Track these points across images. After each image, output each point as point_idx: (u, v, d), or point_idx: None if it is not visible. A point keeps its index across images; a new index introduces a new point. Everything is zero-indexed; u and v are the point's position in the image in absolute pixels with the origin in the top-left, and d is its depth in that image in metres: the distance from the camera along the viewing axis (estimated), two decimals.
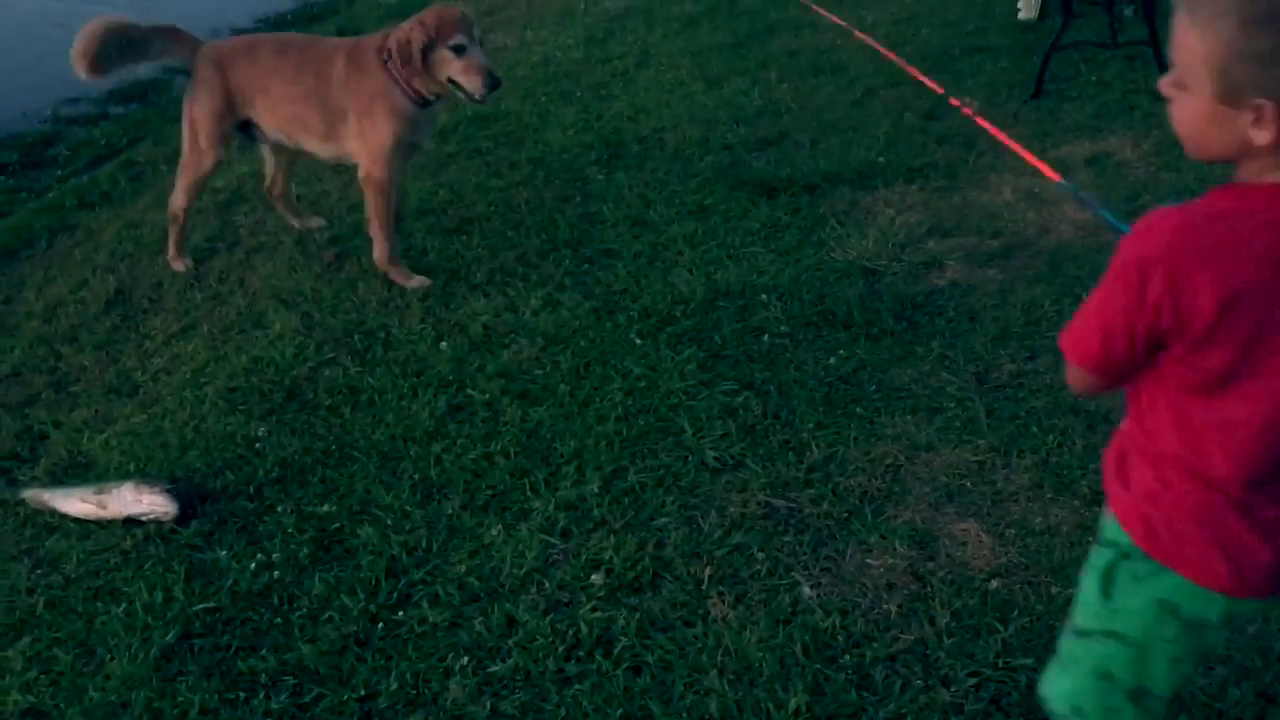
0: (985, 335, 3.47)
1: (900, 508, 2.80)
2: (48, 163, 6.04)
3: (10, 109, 6.73)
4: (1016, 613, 2.44)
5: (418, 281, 4.06)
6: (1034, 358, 3.35)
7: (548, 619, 2.50)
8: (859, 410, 3.19)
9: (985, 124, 2.98)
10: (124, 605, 2.61)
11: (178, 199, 4.33)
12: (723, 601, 2.53)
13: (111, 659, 2.46)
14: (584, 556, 2.69)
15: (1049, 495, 2.78)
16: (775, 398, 3.27)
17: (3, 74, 7.51)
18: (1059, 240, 4.03)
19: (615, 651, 2.40)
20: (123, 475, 3.06)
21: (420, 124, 4.02)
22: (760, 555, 2.66)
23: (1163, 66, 5.31)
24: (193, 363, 3.69)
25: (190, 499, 2.92)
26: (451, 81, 3.83)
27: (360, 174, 4.02)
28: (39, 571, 2.78)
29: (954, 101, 3.16)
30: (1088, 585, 1.59)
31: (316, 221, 4.68)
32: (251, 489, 3.01)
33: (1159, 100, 4.66)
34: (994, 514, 2.75)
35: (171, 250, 4.45)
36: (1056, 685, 1.67)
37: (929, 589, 2.53)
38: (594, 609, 2.52)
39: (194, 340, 3.85)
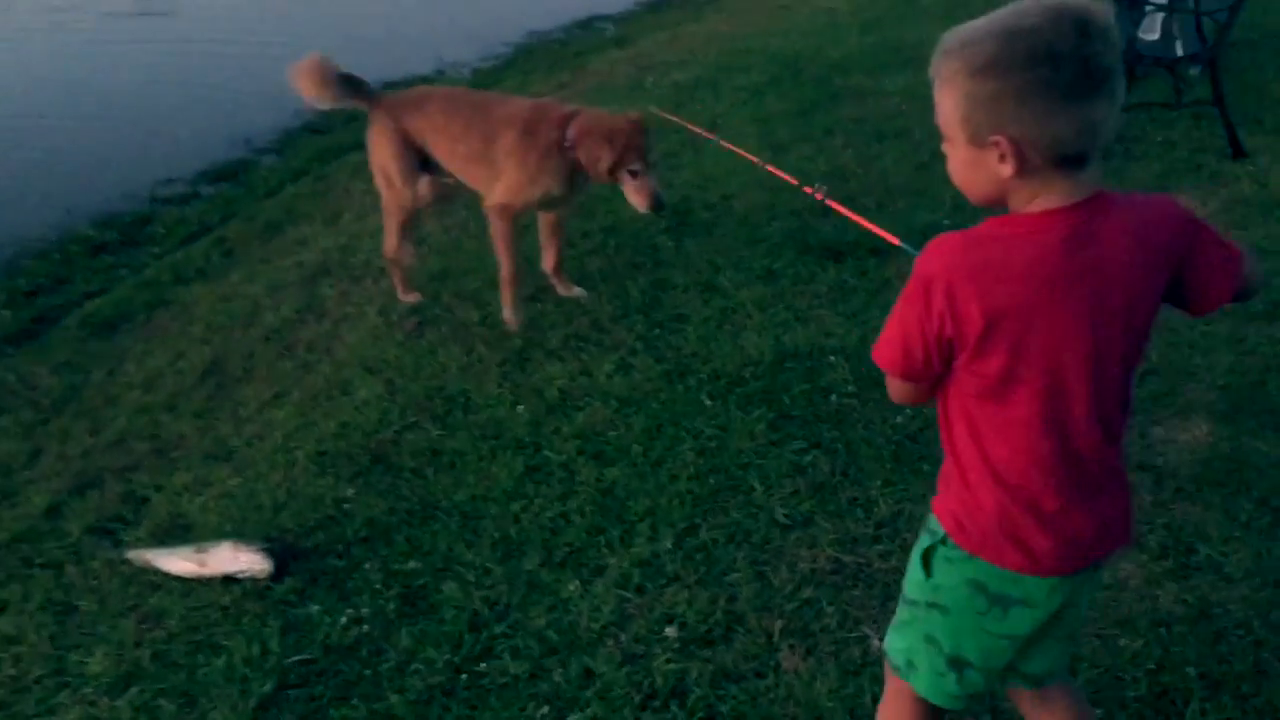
0: None
1: None
2: (145, 241, 6.37)
3: (111, 190, 7.11)
4: (1085, 665, 2.47)
5: (515, 322, 4.37)
6: None
7: (624, 670, 2.59)
8: (926, 468, 3.25)
9: (836, 205, 3.14)
10: (224, 658, 2.75)
11: (390, 242, 4.66)
12: (793, 654, 2.60)
13: (213, 709, 2.60)
14: (658, 610, 2.78)
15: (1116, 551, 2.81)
16: (844, 456, 3.35)
17: (103, 158, 7.95)
18: None
19: (689, 702, 2.49)
20: (220, 536, 3.22)
21: (568, 197, 4.35)
22: (830, 609, 2.73)
23: (1229, 125, 5.37)
24: (284, 429, 3.87)
25: (284, 557, 3.07)
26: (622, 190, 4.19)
27: (487, 202, 4.31)
28: (144, 626, 2.94)
29: (806, 189, 3.35)
30: (914, 564, 1.84)
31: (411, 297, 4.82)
32: (341, 547, 3.16)
33: (1226, 158, 4.76)
34: None
35: (399, 291, 4.78)
36: (896, 642, 1.90)
37: None
38: (668, 661, 2.61)
39: (285, 407, 4.03)
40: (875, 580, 2.82)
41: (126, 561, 3.21)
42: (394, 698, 2.57)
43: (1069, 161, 1.53)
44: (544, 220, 4.57)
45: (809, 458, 3.35)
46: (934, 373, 1.66)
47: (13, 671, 2.84)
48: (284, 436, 3.82)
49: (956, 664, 1.80)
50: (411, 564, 3.05)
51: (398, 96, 4.60)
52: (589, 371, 3.98)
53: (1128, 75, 5.64)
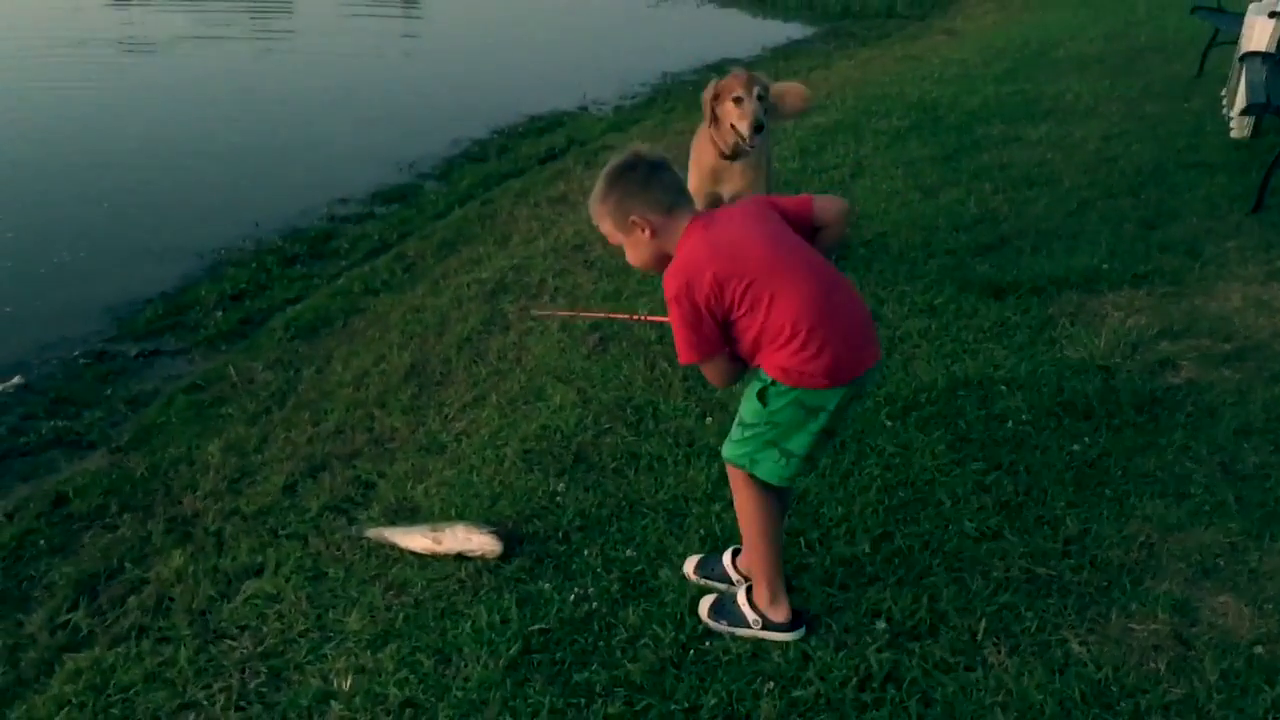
0: (1227, 429, 3.68)
1: (1158, 580, 3.03)
2: (330, 254, 6.84)
3: (292, 208, 7.66)
4: None
5: None
6: (1279, 451, 3.54)
7: (840, 655, 2.82)
8: (1108, 492, 3.43)
9: (654, 319, 3.83)
10: (469, 623, 3.04)
11: None
12: (999, 651, 2.80)
13: (466, 665, 2.89)
14: (864, 606, 3.01)
15: None
16: (1025, 478, 3.54)
17: (283, 179, 8.52)
18: None
19: (904, 686, 2.71)
20: (446, 520, 3.53)
21: (722, 176, 4.82)
22: (1029, 614, 2.93)
23: None
24: (488, 427, 4.19)
25: (510, 540, 3.37)
26: (733, 128, 4.66)
27: None
28: (391, 593, 3.25)
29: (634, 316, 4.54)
30: (751, 401, 2.71)
31: None
32: (559, 534, 3.44)
33: None
34: (1251, 589, 2.95)
35: None
36: (737, 450, 2.77)
37: (1194, 651, 2.75)
38: (879, 649, 2.83)
39: (486, 409, 4.36)
40: (1069, 590, 3.01)
41: (365, 538, 3.53)
42: (630, 666, 2.83)
43: (673, 209, 2.69)
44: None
45: (991, 478, 3.55)
46: (722, 343, 2.65)
47: (279, 625, 3.18)
48: (490, 434, 4.13)
49: (786, 454, 2.71)
50: (628, 552, 3.32)
51: None
52: None
53: None
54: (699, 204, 4.92)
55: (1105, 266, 5.15)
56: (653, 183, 2.69)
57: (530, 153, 9.06)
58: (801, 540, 3.31)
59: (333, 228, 7.34)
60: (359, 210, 7.78)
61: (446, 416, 4.37)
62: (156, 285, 6.29)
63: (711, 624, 2.97)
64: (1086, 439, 3.73)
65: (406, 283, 6.11)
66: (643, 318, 4.54)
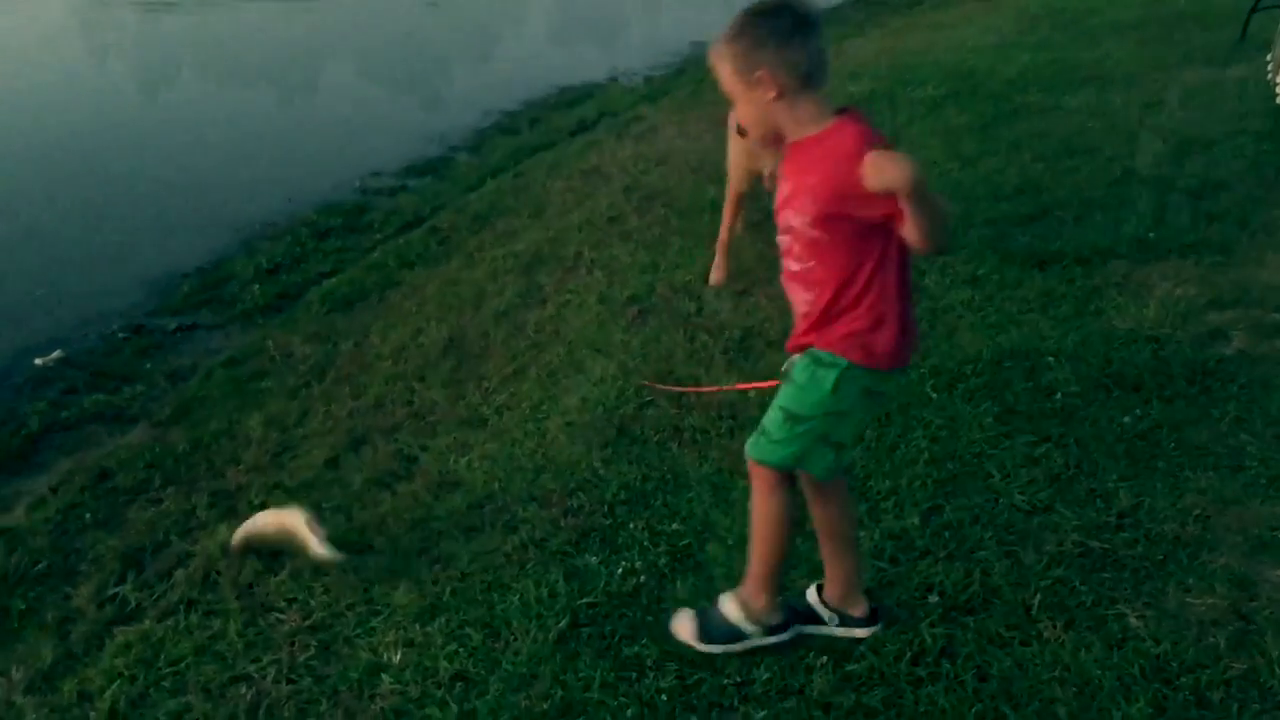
0: None
1: (1214, 554, 2.97)
2: (363, 228, 6.85)
3: (324, 181, 7.68)
4: None
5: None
6: None
7: (892, 630, 2.78)
8: (1161, 465, 3.37)
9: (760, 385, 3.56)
10: (516, 597, 3.03)
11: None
12: (1054, 625, 2.76)
13: (515, 639, 2.87)
14: (915, 580, 2.97)
15: None
16: (1075, 451, 3.48)
17: (314, 152, 8.53)
18: None
19: (959, 660, 2.67)
20: (488, 494, 3.52)
21: (755, 152, 4.73)
22: (1083, 588, 2.88)
23: None
24: (529, 400, 4.17)
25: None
26: None
27: None
28: (438, 567, 3.24)
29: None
30: (813, 391, 2.42)
31: None
32: (605, 508, 3.42)
33: None
34: None
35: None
36: (781, 451, 2.50)
37: (1254, 626, 2.70)
38: (932, 624, 2.79)
39: (526, 382, 4.34)
40: (1124, 565, 2.96)
41: (409, 507, 3.52)
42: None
43: (809, 82, 2.26)
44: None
45: (1040, 450, 3.50)
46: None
47: (325, 599, 3.18)
48: (531, 408, 4.12)
49: (838, 447, 2.53)
50: (674, 526, 3.29)
51: None
52: None
53: None
54: (743, 182, 4.87)
55: (1151, 236, 5.06)
56: (795, 40, 2.24)
57: (561, 124, 9.02)
58: None
59: (365, 201, 7.36)
60: (391, 183, 7.79)
61: (486, 390, 4.36)
62: (192, 260, 6.34)
63: (703, 648, 2.75)
64: (1137, 411, 3.67)
65: (441, 256, 6.10)
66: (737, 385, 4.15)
